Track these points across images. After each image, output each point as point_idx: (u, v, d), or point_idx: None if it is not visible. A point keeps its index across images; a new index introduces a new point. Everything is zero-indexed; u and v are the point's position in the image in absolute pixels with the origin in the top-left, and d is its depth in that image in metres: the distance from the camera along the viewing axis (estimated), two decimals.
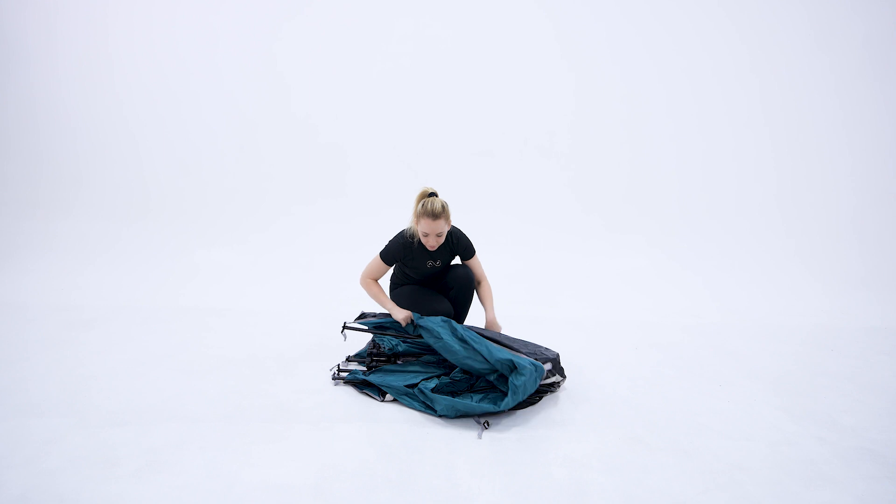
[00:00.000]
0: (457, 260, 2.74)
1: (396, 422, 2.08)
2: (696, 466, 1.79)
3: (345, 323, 2.60)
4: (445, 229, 2.44)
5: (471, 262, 2.69)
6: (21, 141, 4.73)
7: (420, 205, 2.43)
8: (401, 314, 2.50)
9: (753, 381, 2.57)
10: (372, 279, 2.63)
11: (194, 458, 1.78)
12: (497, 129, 4.54)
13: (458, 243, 2.63)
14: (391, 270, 2.80)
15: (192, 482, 1.64)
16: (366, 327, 2.60)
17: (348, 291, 3.93)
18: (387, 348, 2.51)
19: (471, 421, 2.10)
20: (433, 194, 2.46)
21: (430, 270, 2.64)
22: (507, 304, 3.63)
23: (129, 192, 4.72)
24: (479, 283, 2.72)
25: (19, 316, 3.41)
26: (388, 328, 2.57)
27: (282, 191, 4.70)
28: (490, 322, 2.60)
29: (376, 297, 2.61)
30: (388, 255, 2.58)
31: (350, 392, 2.36)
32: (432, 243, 2.46)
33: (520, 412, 2.19)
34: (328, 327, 3.29)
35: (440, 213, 2.38)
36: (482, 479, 1.70)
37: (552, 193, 4.62)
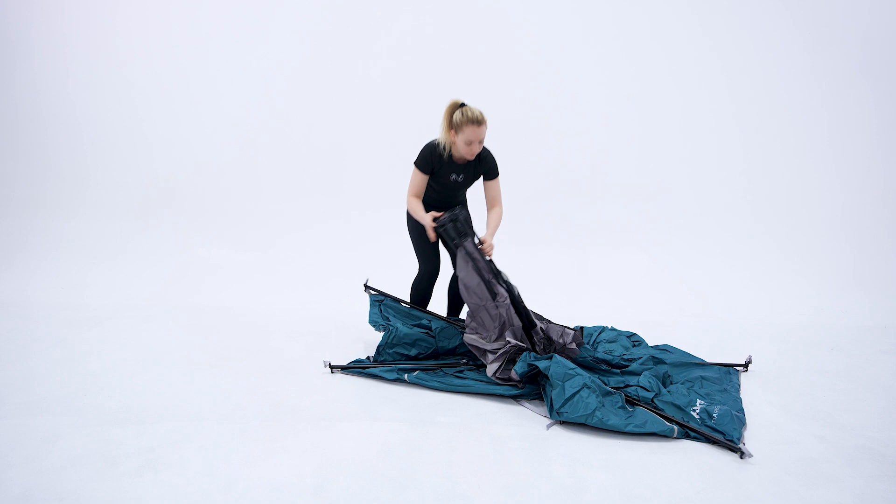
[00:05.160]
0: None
1: (396, 421, 2.08)
2: (695, 465, 1.80)
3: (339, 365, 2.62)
4: (485, 134, 2.52)
5: (492, 184, 2.73)
6: (24, 140, 4.72)
7: (460, 113, 2.47)
8: (426, 220, 2.60)
9: (752, 379, 2.57)
10: (415, 196, 2.70)
11: (194, 457, 1.78)
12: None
13: (484, 162, 2.68)
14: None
15: (192, 481, 1.65)
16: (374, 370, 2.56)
17: (348, 290, 3.93)
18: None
19: (471, 418, 2.10)
20: (464, 104, 2.51)
21: (453, 184, 2.71)
22: None
23: (131, 190, 4.71)
24: (491, 208, 2.75)
25: (22, 314, 3.41)
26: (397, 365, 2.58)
27: (283, 190, 4.69)
28: (484, 240, 2.61)
29: (415, 212, 2.68)
30: (423, 163, 2.63)
31: (350, 391, 2.36)
32: (476, 150, 2.53)
33: (520, 409, 2.20)
34: (328, 326, 3.30)
35: (482, 119, 2.47)
36: (482, 478, 1.70)
37: (547, 190, 4.61)
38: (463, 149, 2.53)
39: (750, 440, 1.98)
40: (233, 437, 1.92)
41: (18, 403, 2.17)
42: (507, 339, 2.42)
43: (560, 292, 4.03)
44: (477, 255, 2.52)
